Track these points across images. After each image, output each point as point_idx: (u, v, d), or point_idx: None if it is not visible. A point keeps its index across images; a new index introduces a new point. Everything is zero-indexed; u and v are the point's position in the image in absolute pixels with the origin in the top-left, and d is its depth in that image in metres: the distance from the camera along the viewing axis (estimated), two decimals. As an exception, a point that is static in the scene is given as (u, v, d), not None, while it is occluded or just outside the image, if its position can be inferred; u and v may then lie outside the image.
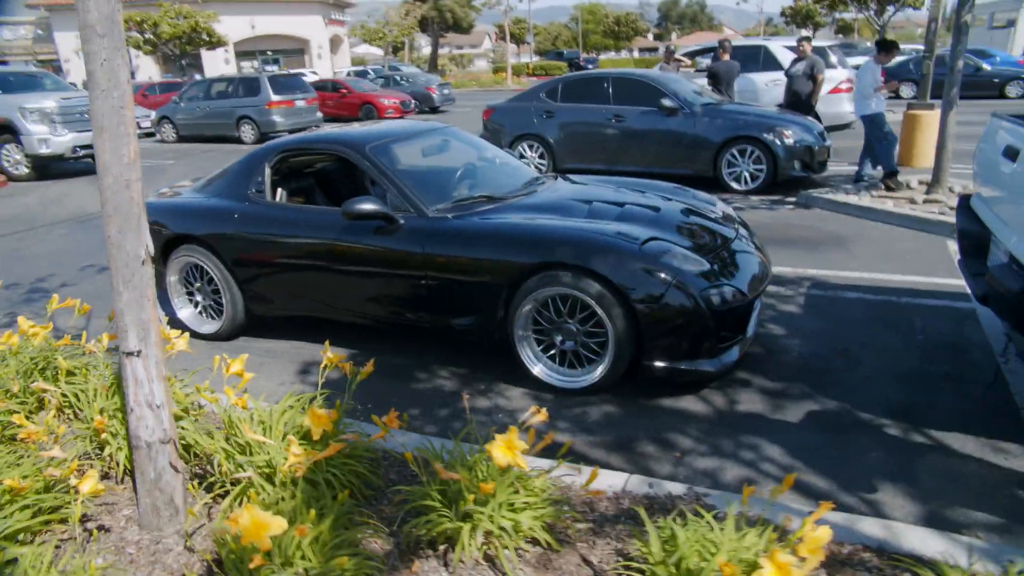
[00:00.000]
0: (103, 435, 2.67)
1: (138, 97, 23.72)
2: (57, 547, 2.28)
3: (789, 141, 8.04)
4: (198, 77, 25.33)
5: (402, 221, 3.96)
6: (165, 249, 4.73)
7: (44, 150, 12.35)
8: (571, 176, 5.07)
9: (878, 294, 4.88)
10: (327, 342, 2.88)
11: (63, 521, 2.35)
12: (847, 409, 3.38)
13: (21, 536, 2.22)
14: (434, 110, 24.94)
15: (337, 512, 2.05)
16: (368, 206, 3.88)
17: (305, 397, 2.77)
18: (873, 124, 7.89)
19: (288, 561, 1.85)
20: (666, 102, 8.47)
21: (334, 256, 4.18)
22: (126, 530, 2.47)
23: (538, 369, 3.72)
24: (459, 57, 73.47)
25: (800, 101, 9.31)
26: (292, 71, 21.19)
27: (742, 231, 4.25)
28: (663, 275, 3.36)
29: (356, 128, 4.86)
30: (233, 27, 40.99)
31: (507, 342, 3.77)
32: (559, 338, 3.65)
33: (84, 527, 2.44)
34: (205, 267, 4.60)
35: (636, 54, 69.81)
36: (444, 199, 4.14)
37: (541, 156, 9.53)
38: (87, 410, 2.79)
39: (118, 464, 2.69)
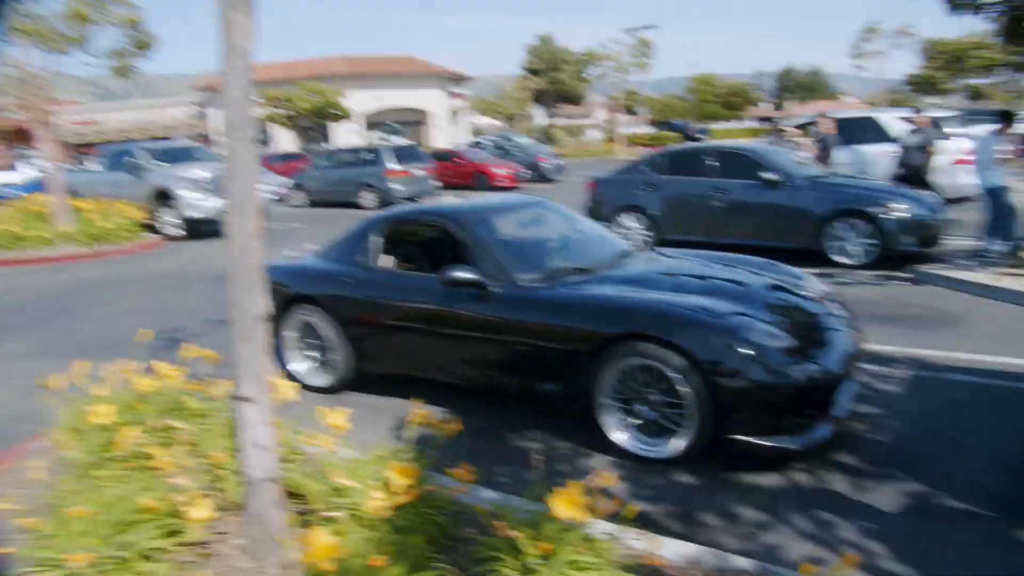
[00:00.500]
0: (220, 470, 3.02)
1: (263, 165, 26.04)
2: (179, 565, 2.60)
3: (898, 215, 7.81)
4: (324, 146, 27.44)
5: (494, 289, 4.23)
6: (285, 307, 5.22)
7: (195, 214, 13.75)
8: (664, 249, 5.22)
9: (989, 378, 4.65)
10: (412, 400, 3.13)
11: (181, 544, 2.69)
12: (940, 497, 3.26)
13: (149, 552, 2.57)
14: (544, 179, 25.64)
15: (412, 553, 2.25)
16: (462, 274, 4.19)
17: (392, 450, 3.02)
18: (993, 197, 7.57)
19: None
20: (767, 175, 8.48)
21: (432, 320, 4.50)
22: (234, 557, 2.77)
23: (619, 437, 3.81)
24: (573, 127, 75.35)
25: (914, 173, 9.05)
26: (407, 143, 22.52)
27: (833, 308, 4.22)
28: (743, 350, 3.42)
29: (457, 201, 5.24)
30: (361, 100, 44.31)
31: (591, 409, 3.90)
32: (641, 407, 3.75)
33: (201, 550, 2.76)
34: (318, 325, 5.04)
35: (749, 124, 69.16)
36: (535, 269, 4.38)
37: (647, 228, 9.68)
38: (209, 447, 3.17)
39: (231, 498, 3.02)
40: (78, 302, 8.87)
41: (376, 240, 5.04)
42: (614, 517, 2.57)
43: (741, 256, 5.01)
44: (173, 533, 2.67)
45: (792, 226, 8.46)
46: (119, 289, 9.49)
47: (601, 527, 2.60)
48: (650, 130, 51.80)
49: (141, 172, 14.57)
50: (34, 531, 2.61)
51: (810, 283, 4.60)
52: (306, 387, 5.18)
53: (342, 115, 36.02)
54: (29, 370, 5.40)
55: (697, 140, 43.95)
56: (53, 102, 14.82)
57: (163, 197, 14.01)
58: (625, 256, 4.81)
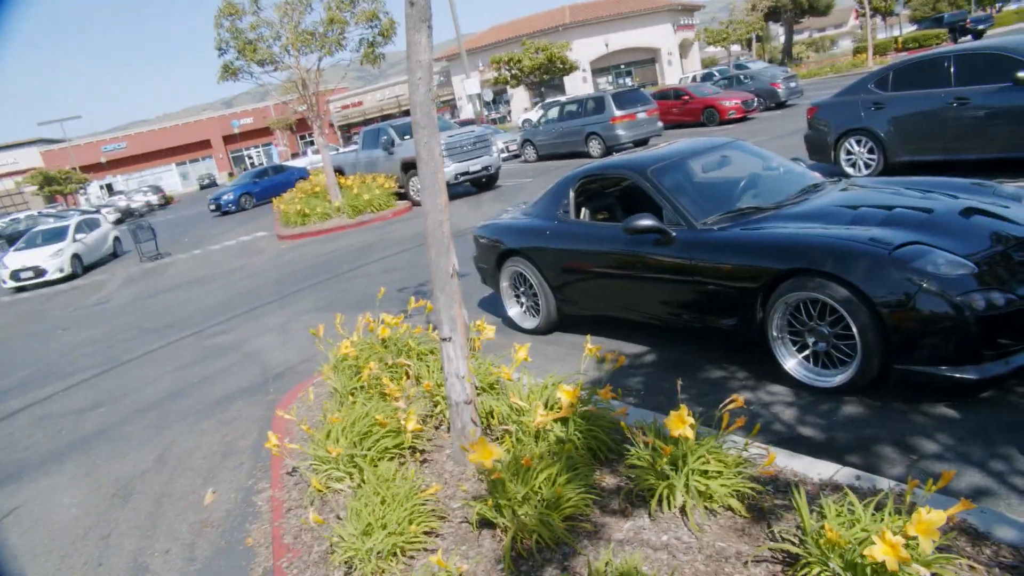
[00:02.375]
0: (435, 397, 3.81)
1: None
2: (399, 468, 3.44)
3: None
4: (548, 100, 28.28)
5: (674, 234, 4.52)
6: (499, 261, 5.98)
7: (436, 180, 15.39)
8: (860, 179, 5.05)
9: None
10: (588, 336, 3.64)
11: (405, 449, 3.52)
12: None
13: (383, 454, 3.43)
14: (781, 105, 24.03)
15: (567, 458, 2.79)
16: (644, 222, 4.53)
17: (565, 377, 3.57)
18: None
19: (527, 484, 2.65)
20: None
21: (621, 265, 4.92)
22: (446, 463, 3.55)
23: (791, 367, 3.97)
24: (819, 41, 68.25)
25: None
26: (632, 85, 22.44)
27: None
28: (912, 279, 3.38)
29: (643, 152, 5.53)
30: (589, 48, 44.57)
31: (766, 341, 4.08)
32: (812, 339, 3.86)
33: (422, 458, 3.58)
34: (526, 275, 5.72)
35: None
36: (713, 212, 4.57)
37: (870, 151, 8.98)
38: (427, 379, 3.99)
39: (445, 418, 3.81)
40: (346, 265, 10.68)
41: (572, 195, 5.54)
42: (746, 432, 2.86)
43: (946, 179, 4.69)
44: (398, 443, 3.50)
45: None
46: (377, 252, 11.20)
47: (734, 442, 2.91)
48: (913, 30, 44.95)
49: (392, 147, 16.57)
50: (309, 434, 3.62)
51: (1027, 202, 4.21)
52: (522, 329, 5.94)
53: (569, 68, 36.67)
54: (312, 322, 6.85)
55: (978, 34, 37.41)
56: (325, 95, 17.33)
57: (410, 167, 15.83)
58: (811, 191, 4.77)
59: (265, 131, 60.54)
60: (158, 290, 12.79)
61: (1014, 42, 8.17)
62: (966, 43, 13.22)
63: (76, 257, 18.02)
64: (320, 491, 3.37)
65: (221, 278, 12.44)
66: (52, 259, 17.32)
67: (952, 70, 8.13)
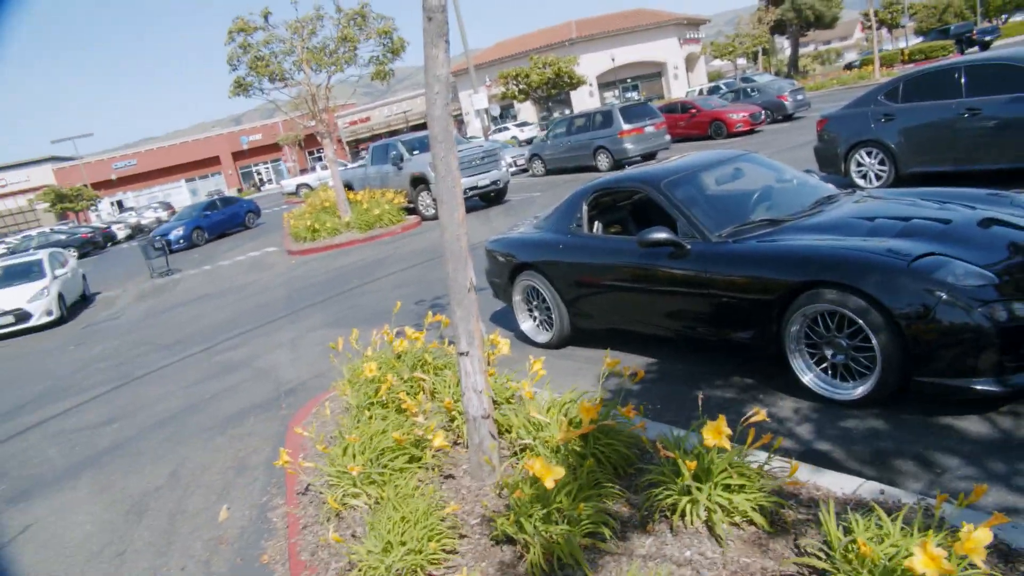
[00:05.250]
0: (452, 412, 3.80)
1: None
2: (417, 485, 3.42)
3: None
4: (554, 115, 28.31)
5: (689, 246, 4.51)
6: (512, 275, 5.97)
7: (444, 195, 15.45)
8: (875, 190, 5.03)
9: None
10: (607, 350, 3.62)
11: (424, 468, 3.50)
12: None
13: (401, 470, 3.41)
14: (788, 118, 24.05)
15: (586, 475, 2.77)
16: (658, 235, 4.52)
17: (583, 392, 3.55)
18: None
19: (546, 502, 2.62)
20: (1038, 85, 7.35)
21: (635, 278, 4.90)
22: (463, 479, 3.53)
23: (808, 379, 3.93)
24: (824, 53, 68.46)
25: None
26: (639, 99, 22.51)
27: (1068, 239, 3.84)
28: (932, 291, 3.35)
29: (656, 166, 5.53)
30: (594, 63, 44.78)
31: (783, 354, 4.05)
32: (830, 352, 3.83)
33: (440, 474, 3.56)
34: (539, 288, 5.71)
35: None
36: (727, 225, 4.56)
37: (881, 162, 8.97)
38: (444, 394, 3.97)
39: (462, 433, 3.79)
40: (356, 280, 10.70)
41: (585, 208, 5.54)
42: (767, 448, 2.83)
43: (963, 190, 4.67)
44: (416, 459, 3.49)
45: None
46: (387, 267, 11.22)
47: (755, 457, 2.88)
48: (919, 42, 44.94)
49: (401, 162, 16.66)
50: (325, 452, 3.60)
51: (1046, 212, 4.18)
52: (535, 344, 5.92)
53: (576, 82, 36.88)
54: (324, 338, 6.87)
55: (985, 45, 37.39)
56: (334, 110, 17.45)
57: (419, 182, 15.90)
58: (825, 202, 4.75)
59: (274, 147, 60.96)
60: (168, 306, 12.84)
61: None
62: (974, 54, 13.23)
63: (60, 297, 14.16)
64: (336, 508, 3.35)
65: (231, 293, 12.48)
66: (36, 300, 13.54)
67: (963, 81, 8.12)
